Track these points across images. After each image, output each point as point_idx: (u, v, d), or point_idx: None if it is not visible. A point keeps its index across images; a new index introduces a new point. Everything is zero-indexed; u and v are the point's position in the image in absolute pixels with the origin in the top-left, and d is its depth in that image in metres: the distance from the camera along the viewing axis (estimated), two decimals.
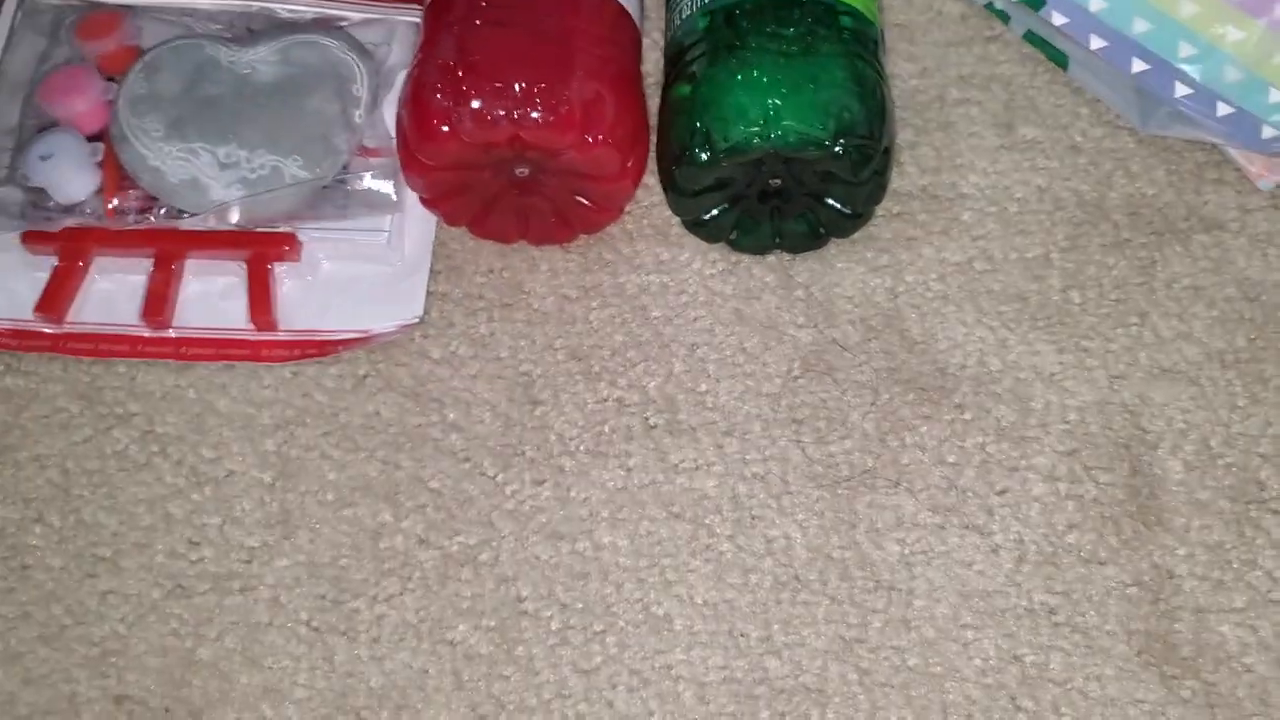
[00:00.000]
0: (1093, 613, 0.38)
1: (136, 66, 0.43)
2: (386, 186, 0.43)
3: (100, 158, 0.43)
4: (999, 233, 0.44)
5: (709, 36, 0.41)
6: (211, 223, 0.42)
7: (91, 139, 0.43)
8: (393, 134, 0.43)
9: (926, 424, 0.41)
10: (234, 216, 0.42)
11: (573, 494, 0.41)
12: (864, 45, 0.41)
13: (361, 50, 0.44)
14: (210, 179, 0.42)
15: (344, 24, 0.45)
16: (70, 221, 0.42)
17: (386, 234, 0.43)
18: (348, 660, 0.39)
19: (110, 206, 0.42)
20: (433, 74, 0.40)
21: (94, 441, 0.42)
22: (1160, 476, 0.40)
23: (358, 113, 0.43)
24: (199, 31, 0.45)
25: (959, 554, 0.39)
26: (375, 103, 0.44)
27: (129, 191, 0.43)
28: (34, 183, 0.42)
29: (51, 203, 0.42)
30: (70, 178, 0.42)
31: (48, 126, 0.43)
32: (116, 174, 0.43)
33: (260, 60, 0.43)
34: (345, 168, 0.43)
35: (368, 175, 0.43)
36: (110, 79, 0.44)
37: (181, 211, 0.42)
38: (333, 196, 0.43)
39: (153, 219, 0.43)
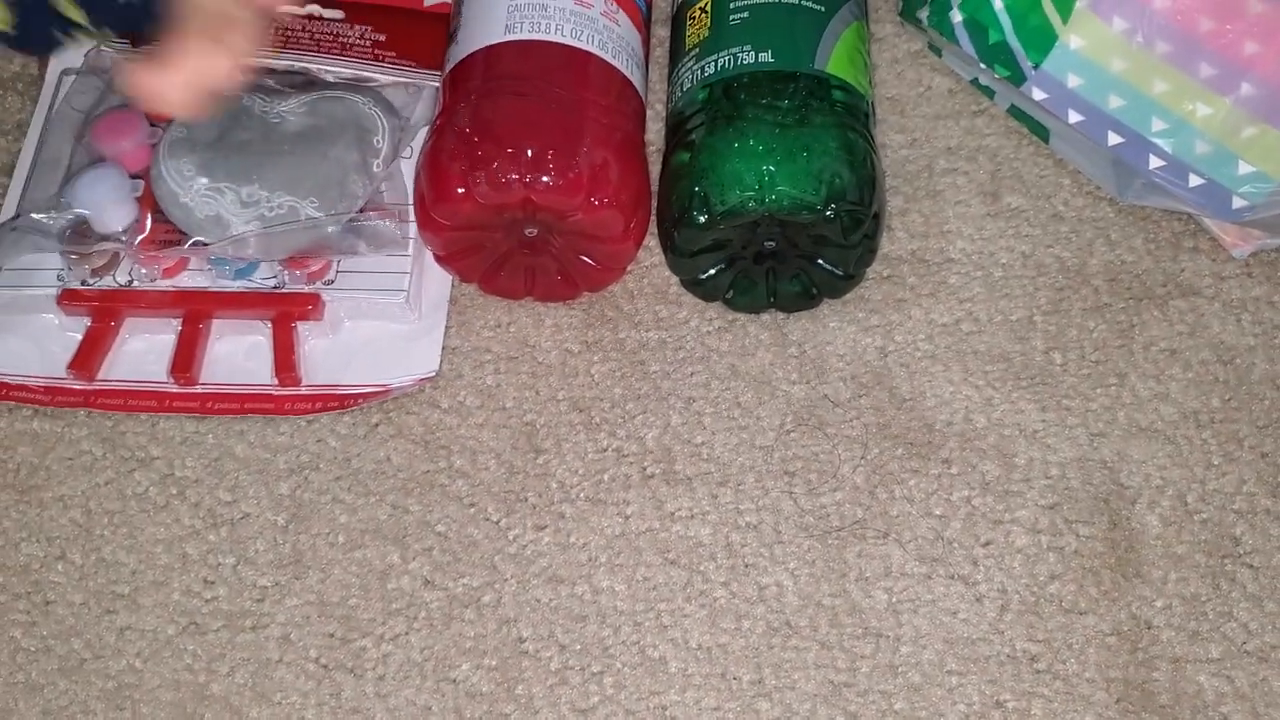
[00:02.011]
0: (1073, 661, 0.40)
1: None
2: (396, 229, 0.45)
3: (139, 193, 0.46)
4: (984, 296, 0.46)
5: (708, 107, 0.43)
6: (229, 251, 0.44)
7: (135, 176, 0.46)
8: (409, 186, 0.46)
9: (914, 478, 0.43)
10: (250, 249, 0.44)
11: (573, 539, 0.42)
12: (855, 117, 0.43)
13: (387, 107, 0.47)
14: (232, 215, 0.44)
15: (374, 84, 0.48)
16: (106, 248, 0.45)
17: (404, 293, 0.45)
18: (354, 697, 0.40)
19: (141, 238, 0.45)
20: (450, 139, 0.42)
21: (116, 483, 0.44)
22: (1138, 530, 0.42)
23: (376, 162, 0.45)
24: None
25: (945, 602, 0.41)
26: (395, 154, 0.46)
27: (160, 225, 0.45)
28: (77, 210, 0.45)
29: (91, 231, 0.45)
30: (110, 208, 0.45)
31: (96, 162, 0.46)
32: (151, 209, 0.45)
33: (290, 111, 0.46)
34: (361, 211, 0.45)
35: (378, 219, 0.45)
36: (155, 124, 0.47)
37: (205, 242, 0.44)
38: (345, 236, 0.45)
39: (180, 250, 0.45)
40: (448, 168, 0.42)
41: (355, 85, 0.48)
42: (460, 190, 0.41)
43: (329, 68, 0.48)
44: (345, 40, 0.49)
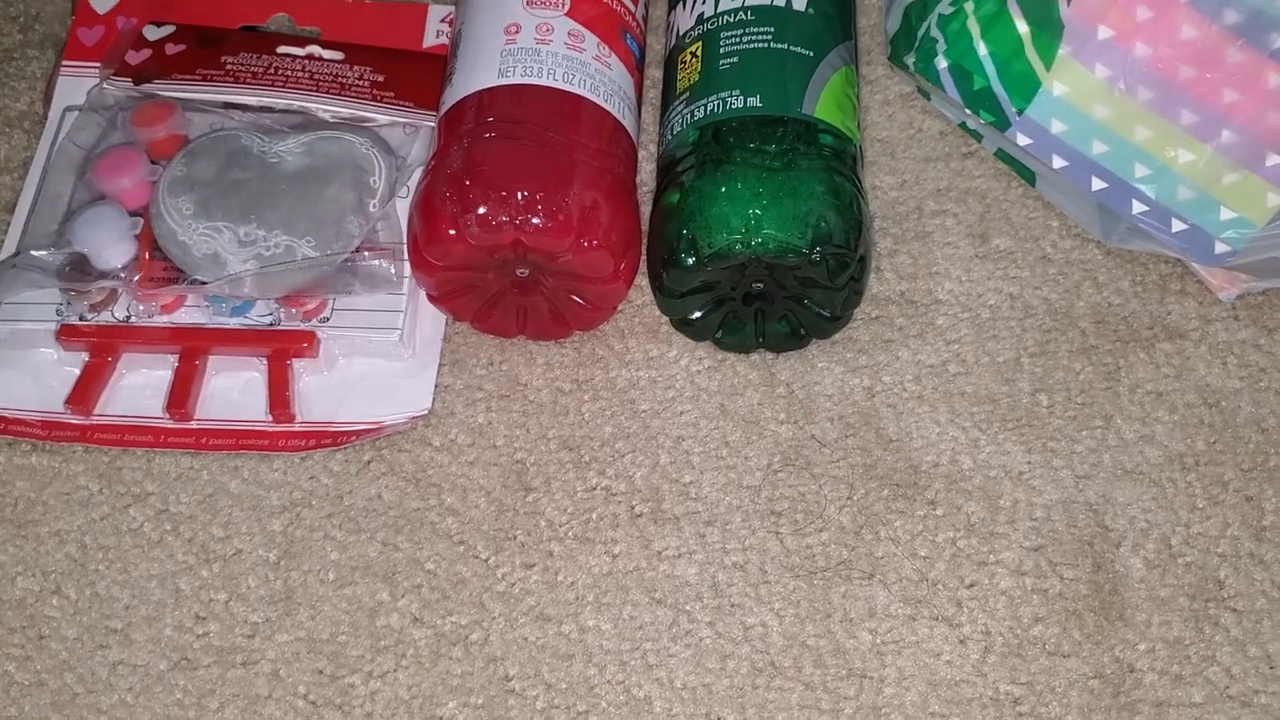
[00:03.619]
0: (1055, 704, 0.40)
1: (180, 152, 0.47)
2: (390, 268, 0.46)
3: (138, 231, 0.46)
4: (972, 337, 0.46)
5: (697, 150, 0.44)
6: (226, 290, 0.45)
7: (134, 214, 0.46)
8: (404, 225, 0.46)
9: (900, 518, 0.43)
10: (246, 287, 0.45)
11: (560, 578, 0.43)
12: (842, 161, 0.44)
13: (384, 146, 0.47)
14: (229, 254, 0.45)
15: (371, 124, 0.49)
16: (105, 285, 0.45)
17: (399, 331, 0.46)
18: None
19: (140, 275, 0.45)
20: (442, 182, 0.43)
21: (111, 519, 0.44)
22: (1122, 573, 0.42)
23: (373, 202, 0.46)
24: (239, 123, 0.48)
25: (928, 644, 0.41)
26: (392, 194, 0.47)
27: (158, 263, 0.46)
28: (77, 248, 0.45)
29: (90, 267, 0.46)
30: (109, 246, 0.45)
31: (97, 200, 0.47)
32: (150, 246, 0.46)
33: (288, 151, 0.47)
34: (357, 250, 0.46)
35: (374, 258, 0.46)
36: (156, 162, 0.47)
37: (203, 281, 0.45)
38: (340, 275, 0.46)
39: (177, 288, 0.45)
40: (440, 210, 0.42)
41: (353, 125, 0.48)
42: (452, 232, 0.42)
43: (327, 107, 0.49)
44: (344, 80, 0.50)
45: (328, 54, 0.51)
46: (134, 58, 0.50)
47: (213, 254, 0.45)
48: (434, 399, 0.46)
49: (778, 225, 0.41)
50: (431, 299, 0.46)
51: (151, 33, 0.51)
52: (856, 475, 0.44)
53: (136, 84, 0.49)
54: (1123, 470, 0.43)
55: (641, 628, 0.42)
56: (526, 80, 0.44)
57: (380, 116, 0.49)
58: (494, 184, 0.42)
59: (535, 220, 0.42)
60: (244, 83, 0.49)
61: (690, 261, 0.42)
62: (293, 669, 0.42)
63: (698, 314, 0.45)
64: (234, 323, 0.46)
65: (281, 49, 0.51)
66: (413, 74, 0.50)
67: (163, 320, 0.46)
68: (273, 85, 0.49)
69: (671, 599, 0.42)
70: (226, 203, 0.45)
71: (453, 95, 0.46)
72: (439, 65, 0.49)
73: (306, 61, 0.50)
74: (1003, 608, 0.41)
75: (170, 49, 0.50)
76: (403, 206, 0.48)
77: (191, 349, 0.46)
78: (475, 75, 0.45)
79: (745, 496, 0.44)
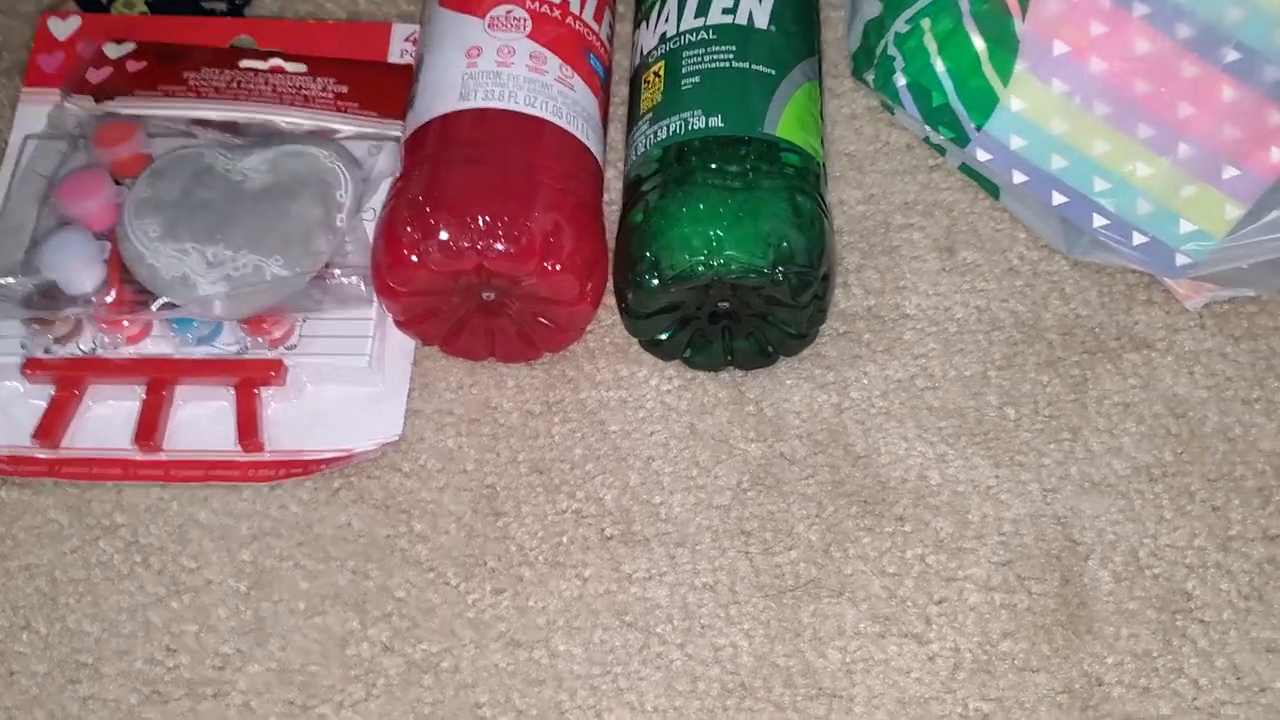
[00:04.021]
0: (1024, 718, 0.40)
1: (145, 172, 0.46)
2: (361, 285, 0.46)
3: (107, 255, 0.46)
4: (939, 352, 0.46)
5: (661, 170, 0.44)
6: (197, 312, 0.45)
7: (101, 237, 0.46)
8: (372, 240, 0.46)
9: (868, 535, 0.43)
10: (217, 309, 0.45)
11: (531, 603, 0.43)
12: (805, 179, 0.44)
13: (349, 159, 0.47)
14: (198, 276, 0.44)
15: (337, 135, 0.49)
16: (74, 311, 0.45)
17: (368, 358, 0.46)
18: None
19: (110, 300, 0.45)
20: (403, 207, 0.43)
21: (81, 552, 0.44)
22: (1090, 586, 0.42)
23: (340, 216, 0.46)
24: (203, 141, 0.48)
25: (898, 662, 0.41)
26: (359, 207, 0.47)
27: (128, 286, 0.45)
28: (45, 274, 0.45)
29: (60, 294, 0.45)
30: (79, 270, 0.45)
31: (63, 224, 0.46)
32: (119, 270, 0.45)
33: (252, 168, 0.46)
34: (326, 266, 0.45)
35: (344, 275, 0.46)
36: (120, 182, 0.47)
37: (173, 304, 0.45)
38: (310, 293, 0.45)
39: (149, 314, 0.45)
40: (401, 236, 0.42)
41: (318, 138, 0.48)
42: (414, 258, 0.42)
43: (291, 119, 0.49)
44: (308, 92, 0.50)
45: (290, 66, 0.50)
46: (95, 75, 0.50)
47: (181, 276, 0.45)
48: (405, 425, 0.46)
49: (739, 246, 0.41)
50: (398, 324, 0.46)
51: (112, 50, 0.50)
52: (825, 493, 0.44)
53: (98, 101, 0.49)
54: (1090, 483, 0.43)
55: (612, 651, 0.42)
56: (488, 104, 0.44)
57: (345, 127, 0.49)
58: (455, 209, 0.42)
59: (497, 245, 0.41)
60: (206, 97, 0.49)
61: (653, 283, 0.42)
62: (264, 700, 0.41)
63: (665, 334, 0.45)
64: (200, 352, 0.46)
65: (244, 63, 0.50)
66: (376, 84, 0.50)
67: (129, 351, 0.46)
68: (236, 99, 0.49)
69: (642, 622, 0.42)
70: (193, 223, 0.45)
71: (415, 119, 0.45)
72: (404, 75, 0.49)
73: (269, 74, 0.50)
74: (971, 624, 0.41)
75: (131, 66, 0.50)
76: (371, 224, 0.47)
77: (158, 380, 0.46)
78: (437, 99, 0.45)
79: (715, 516, 0.44)
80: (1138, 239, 0.42)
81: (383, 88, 0.50)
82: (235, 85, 0.50)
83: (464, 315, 0.45)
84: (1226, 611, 0.41)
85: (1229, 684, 0.40)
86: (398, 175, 0.45)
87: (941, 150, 0.49)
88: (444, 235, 0.41)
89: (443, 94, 0.45)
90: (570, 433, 0.45)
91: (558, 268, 0.42)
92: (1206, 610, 0.41)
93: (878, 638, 0.41)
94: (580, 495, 0.44)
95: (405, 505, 0.44)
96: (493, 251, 0.41)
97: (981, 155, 0.43)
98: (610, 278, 0.45)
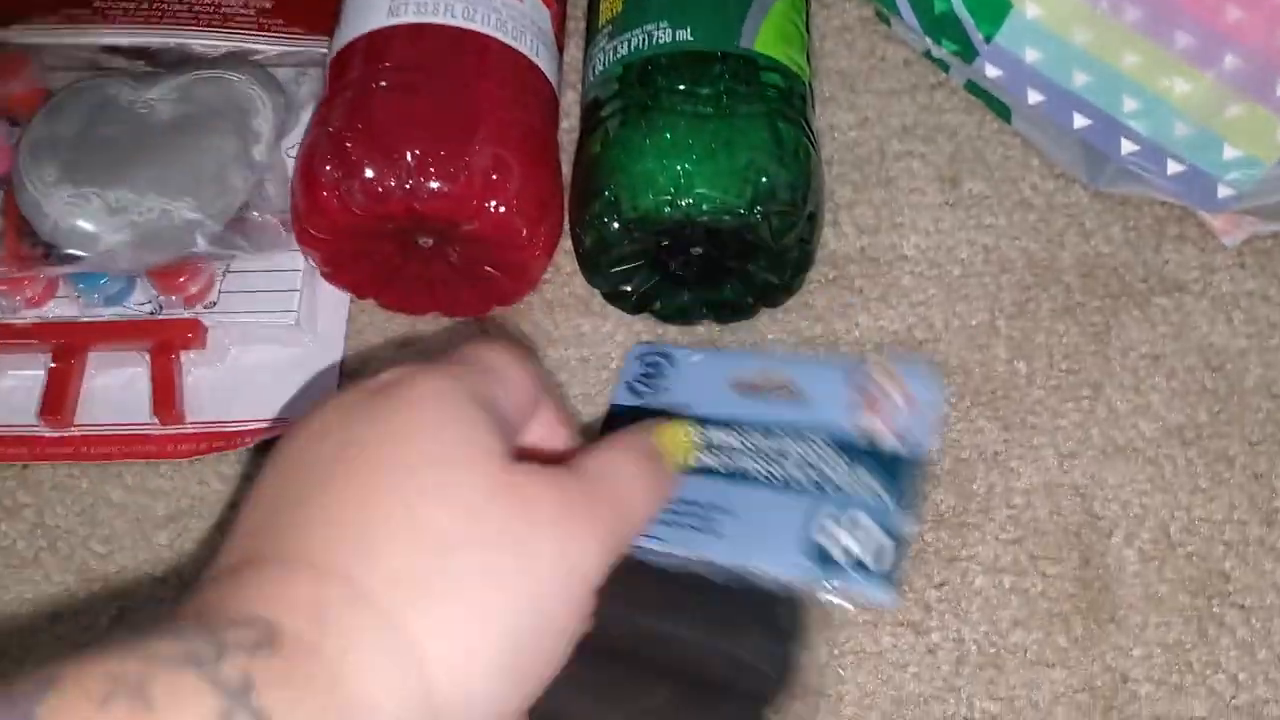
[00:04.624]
0: None
1: (41, 110, 0.42)
2: (282, 229, 0.41)
3: (2, 204, 0.41)
4: (941, 298, 0.41)
5: (622, 93, 0.38)
6: (100, 265, 0.40)
7: None
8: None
9: None
10: (122, 262, 0.40)
11: None
12: (789, 103, 0.38)
13: (269, 83, 0.42)
14: (100, 225, 0.40)
15: (258, 57, 0.44)
16: None
17: (295, 314, 0.41)
18: None
19: (4, 254, 0.41)
20: (321, 142, 0.37)
21: None
22: (1114, 568, 0.37)
23: (258, 150, 0.41)
24: (107, 70, 0.43)
25: (892, 655, 0.36)
26: (279, 137, 0.42)
27: (25, 240, 0.41)
28: None
29: None
30: None
31: None
32: (17, 220, 0.41)
33: (160, 98, 0.42)
34: (245, 206, 0.41)
35: (263, 216, 0.41)
36: (16, 123, 0.42)
37: (77, 257, 0.40)
38: (226, 237, 0.41)
39: (51, 267, 0.40)
40: (319, 174, 0.37)
41: (235, 60, 0.43)
42: (334, 201, 0.37)
43: (207, 42, 0.44)
44: (227, 11, 0.45)
45: None
46: None
47: (81, 225, 0.40)
48: (339, 388, 0.41)
49: (712, 183, 0.36)
50: (324, 275, 0.41)
51: None
52: None
53: None
54: (1114, 447, 0.38)
55: None
56: (421, 19, 0.39)
57: (267, 48, 0.44)
58: (380, 143, 0.37)
59: (430, 184, 0.36)
60: (114, 21, 0.44)
61: (613, 227, 0.37)
62: None
63: (630, 284, 0.40)
64: (109, 314, 0.42)
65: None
66: None
67: (30, 315, 0.42)
68: (147, 22, 0.44)
69: None
70: (92, 165, 0.40)
71: (339, 39, 0.40)
72: None
73: None
74: (977, 611, 0.37)
75: None
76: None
77: (65, 347, 0.41)
78: (363, 14, 0.40)
79: None
80: (1173, 167, 0.37)
81: (312, 1, 0.44)
82: (147, 6, 0.45)
83: (399, 264, 0.40)
84: (1270, 595, 0.36)
85: (1273, 679, 0.35)
86: (319, 104, 0.40)
87: (945, 66, 0.43)
88: (368, 173, 0.37)
89: (369, 8, 0.40)
90: None
91: (501, 209, 0.37)
92: (1247, 594, 0.36)
93: (870, 626, 0.37)
94: None
95: None
96: (424, 191, 0.36)
97: (991, 71, 0.38)
98: (566, 220, 0.40)
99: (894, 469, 0.32)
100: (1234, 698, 0.35)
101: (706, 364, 0.37)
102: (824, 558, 0.31)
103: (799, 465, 0.33)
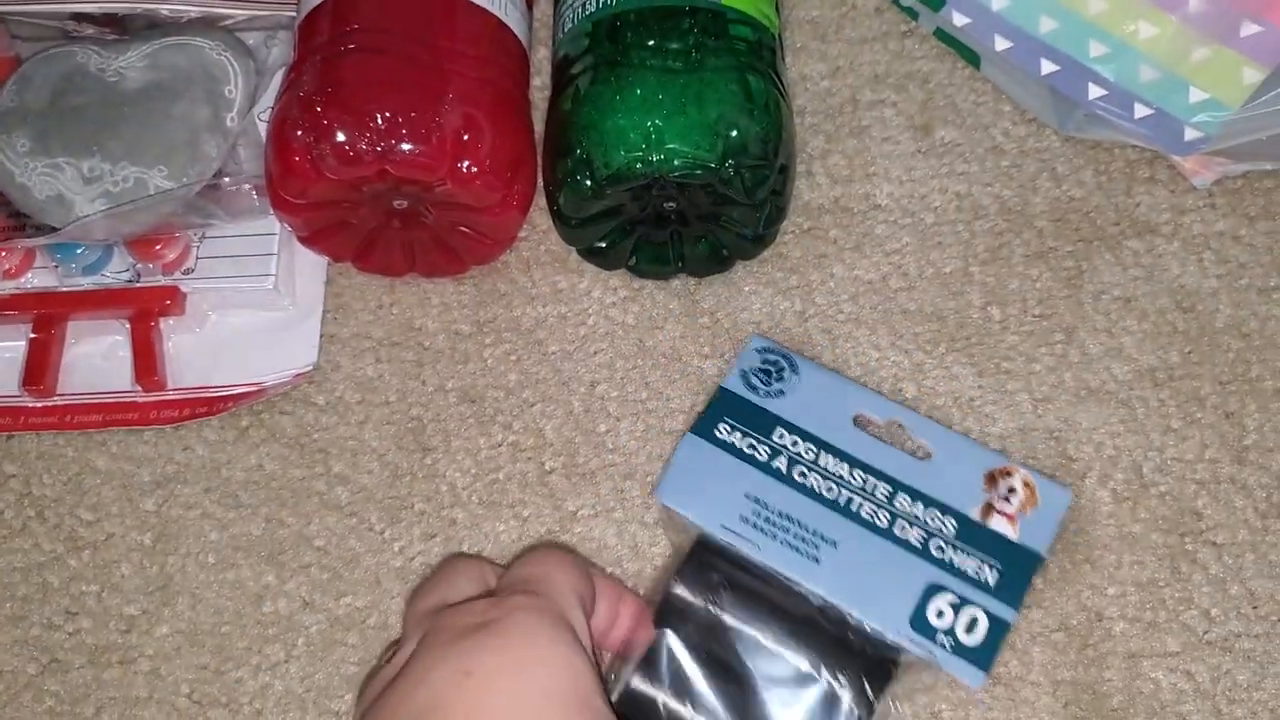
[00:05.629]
0: (1015, 661, 0.36)
1: (10, 79, 0.41)
2: (254, 196, 0.41)
3: None
4: (915, 246, 0.41)
5: (592, 49, 0.38)
6: (76, 236, 0.40)
7: None
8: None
9: None
10: (98, 231, 0.40)
11: (465, 548, 0.38)
12: (758, 56, 0.38)
13: (240, 49, 0.42)
14: (75, 194, 0.40)
15: (227, 22, 0.43)
16: None
17: (273, 277, 0.41)
18: None
19: None
20: (292, 106, 0.37)
21: None
22: (1088, 508, 0.37)
23: (230, 116, 0.41)
24: (75, 37, 0.42)
25: None
26: (251, 103, 0.42)
27: (2, 209, 0.41)
28: None
29: None
30: None
31: None
32: None
33: (129, 66, 0.41)
34: (219, 173, 0.41)
35: (236, 183, 0.41)
36: None
37: (51, 228, 0.40)
38: (200, 205, 0.41)
39: (25, 238, 0.41)
40: (291, 139, 0.37)
41: (204, 25, 0.42)
42: (307, 165, 0.37)
43: (175, 7, 0.43)
44: None
45: None
46: None
47: (56, 195, 0.40)
48: (319, 352, 0.41)
49: (682, 138, 0.36)
50: (301, 240, 0.41)
51: None
52: None
53: None
54: (1087, 390, 0.39)
55: None
56: None
57: (236, 12, 0.43)
58: (351, 105, 0.36)
59: (402, 146, 0.36)
60: None
61: (585, 184, 0.37)
62: (173, 665, 0.38)
63: (605, 241, 0.40)
64: (88, 283, 0.42)
65: None
66: None
67: (10, 287, 0.42)
68: None
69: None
70: (65, 134, 0.40)
71: (308, 2, 0.40)
72: None
73: None
74: None
75: None
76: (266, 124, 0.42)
77: (45, 316, 0.41)
78: None
79: (667, 444, 0.39)
80: (1140, 111, 0.36)
81: None
82: None
83: (375, 227, 0.40)
84: (1242, 532, 0.37)
85: (1244, 614, 0.36)
86: (289, 68, 0.39)
87: (914, 14, 0.43)
88: (340, 137, 0.36)
89: None
90: (504, 356, 0.41)
91: (474, 170, 0.37)
92: (1219, 531, 0.37)
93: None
94: (517, 426, 0.40)
95: (322, 443, 0.40)
96: (397, 154, 0.36)
97: (959, 19, 0.37)
98: (540, 178, 0.40)
99: (1009, 558, 0.34)
100: (1207, 633, 0.36)
101: (832, 388, 0.37)
102: (930, 630, 0.33)
103: (915, 524, 0.34)
